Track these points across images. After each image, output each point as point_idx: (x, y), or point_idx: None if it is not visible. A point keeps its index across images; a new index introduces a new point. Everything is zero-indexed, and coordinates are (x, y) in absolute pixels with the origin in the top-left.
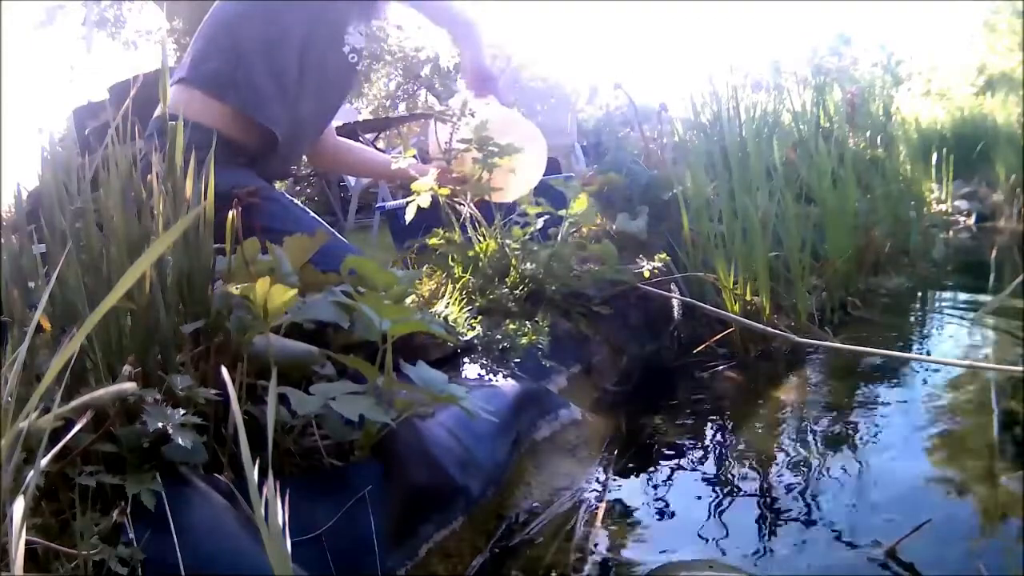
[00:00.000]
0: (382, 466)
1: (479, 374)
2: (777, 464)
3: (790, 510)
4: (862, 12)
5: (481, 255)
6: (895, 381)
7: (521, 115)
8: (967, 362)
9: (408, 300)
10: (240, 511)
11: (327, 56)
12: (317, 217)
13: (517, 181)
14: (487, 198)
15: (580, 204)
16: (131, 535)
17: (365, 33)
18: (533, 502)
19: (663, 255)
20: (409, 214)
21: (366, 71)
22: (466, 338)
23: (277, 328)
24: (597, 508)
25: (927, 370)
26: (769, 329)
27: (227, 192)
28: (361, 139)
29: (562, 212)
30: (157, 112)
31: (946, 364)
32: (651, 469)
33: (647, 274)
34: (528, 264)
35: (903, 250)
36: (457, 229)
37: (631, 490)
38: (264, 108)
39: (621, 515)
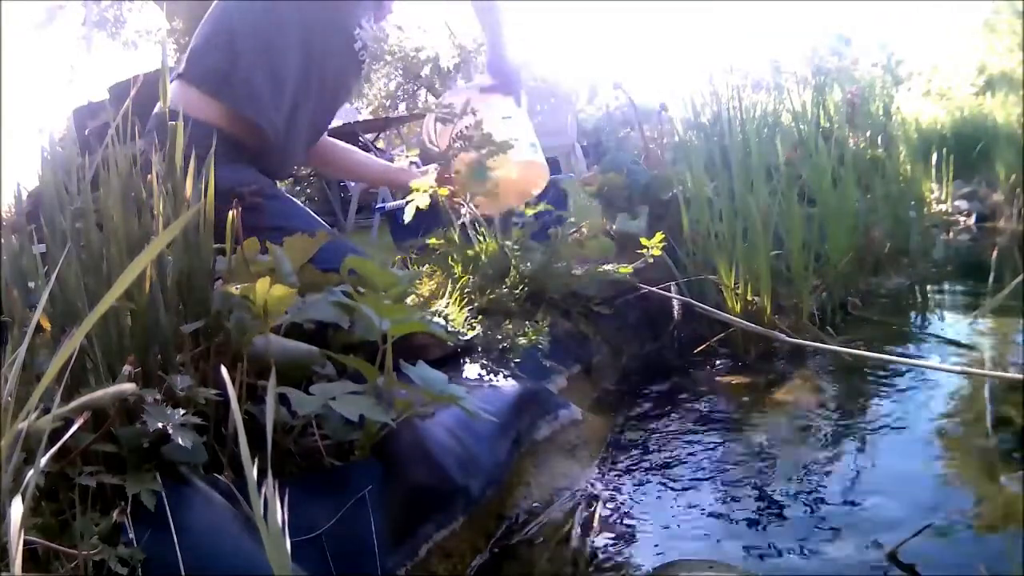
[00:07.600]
0: (382, 466)
1: (479, 374)
2: (777, 464)
3: (790, 510)
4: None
5: (481, 255)
6: (895, 381)
7: (529, 123)
8: (966, 369)
9: (408, 300)
10: (240, 511)
11: (333, 52)
12: (317, 217)
13: (510, 193)
14: (475, 205)
15: (582, 205)
16: (131, 535)
17: (375, 29)
18: (533, 502)
19: (660, 236)
20: (409, 214)
21: (367, 71)
22: (466, 338)
23: (277, 328)
24: (597, 508)
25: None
26: (762, 329)
27: (229, 190)
28: (361, 139)
29: (562, 212)
30: (156, 109)
31: (944, 371)
32: (651, 469)
33: (650, 259)
34: (528, 264)
35: (903, 250)
36: (457, 229)
37: (631, 490)
38: (259, 107)
39: (621, 515)
